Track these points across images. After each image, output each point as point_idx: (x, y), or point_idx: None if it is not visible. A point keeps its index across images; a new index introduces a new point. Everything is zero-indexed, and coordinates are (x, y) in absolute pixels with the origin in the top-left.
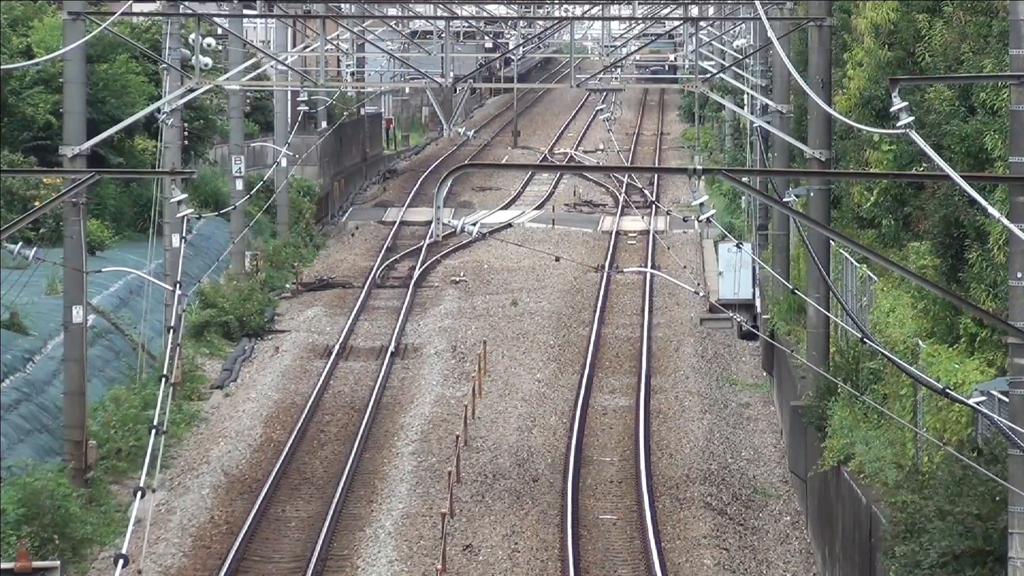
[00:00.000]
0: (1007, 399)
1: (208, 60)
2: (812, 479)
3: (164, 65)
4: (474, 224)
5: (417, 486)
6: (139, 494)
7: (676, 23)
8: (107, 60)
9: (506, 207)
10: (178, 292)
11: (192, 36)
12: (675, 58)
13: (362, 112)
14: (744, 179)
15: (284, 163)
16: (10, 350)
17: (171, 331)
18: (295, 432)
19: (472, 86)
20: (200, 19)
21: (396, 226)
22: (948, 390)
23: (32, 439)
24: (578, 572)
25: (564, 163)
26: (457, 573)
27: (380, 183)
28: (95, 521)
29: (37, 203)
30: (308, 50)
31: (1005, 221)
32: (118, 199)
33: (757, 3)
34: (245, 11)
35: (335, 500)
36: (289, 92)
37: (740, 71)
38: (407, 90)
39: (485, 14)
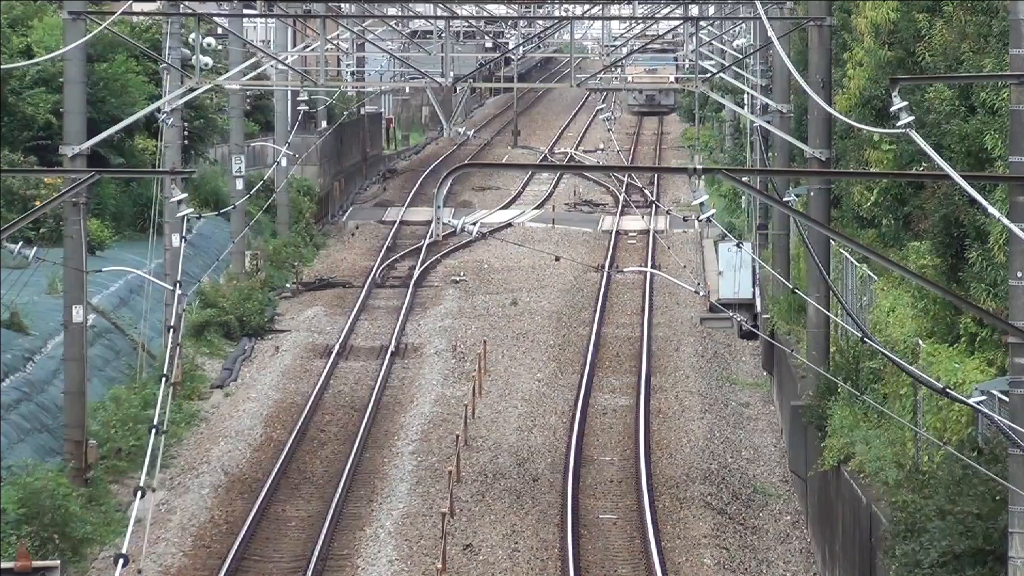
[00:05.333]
0: (1007, 399)
1: (208, 60)
2: (812, 479)
3: (164, 65)
4: (474, 224)
5: (417, 486)
6: (139, 494)
7: (676, 23)
8: (107, 60)
9: (506, 207)
10: (178, 292)
11: (192, 36)
12: (674, 78)
13: (362, 112)
14: (744, 179)
15: (284, 163)
16: (10, 350)
17: (171, 331)
18: (295, 432)
19: (472, 86)
20: (200, 19)
21: (396, 226)
22: (948, 390)
23: (32, 439)
24: (578, 572)
25: (564, 163)
26: (457, 573)
27: (380, 183)
28: (95, 521)
29: (37, 203)
30: (308, 50)
31: (1005, 221)
32: (118, 199)
33: (757, 3)
34: (245, 11)
35: (335, 500)
36: (289, 92)
37: (740, 71)
38: (407, 90)
39: (485, 14)
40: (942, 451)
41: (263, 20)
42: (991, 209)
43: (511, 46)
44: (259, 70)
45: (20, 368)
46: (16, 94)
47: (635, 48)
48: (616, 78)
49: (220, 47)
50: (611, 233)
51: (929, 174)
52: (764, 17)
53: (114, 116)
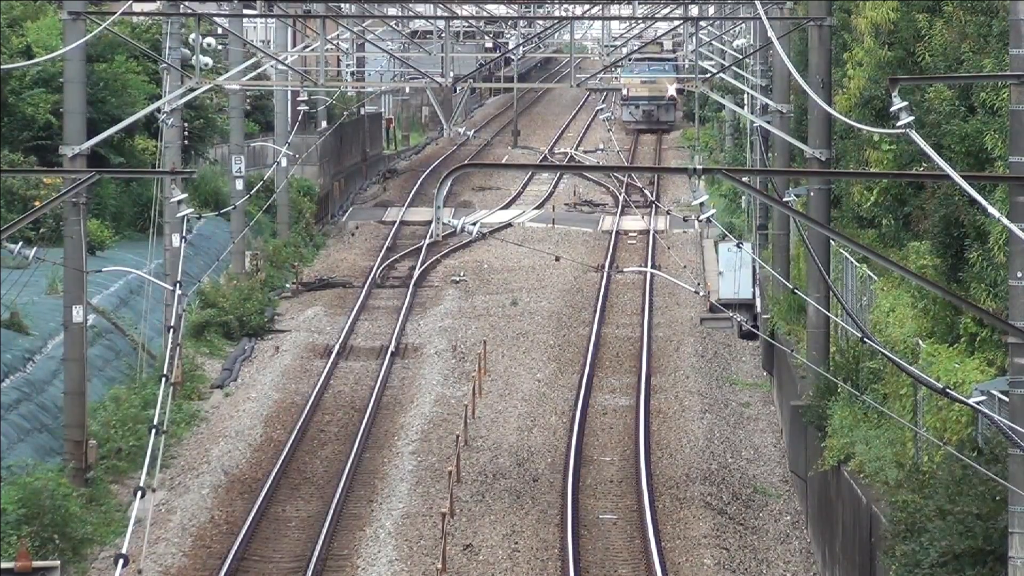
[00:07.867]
0: (1007, 399)
1: (208, 60)
2: (812, 479)
3: (164, 65)
4: (474, 224)
5: (417, 486)
6: (139, 494)
7: (676, 23)
8: (107, 60)
9: (506, 207)
10: (178, 292)
11: (192, 36)
12: (675, 88)
13: (362, 112)
14: (744, 179)
15: (284, 163)
16: (10, 350)
17: (171, 331)
18: (295, 432)
19: (472, 86)
20: (200, 19)
21: (396, 226)
22: (948, 390)
23: (32, 439)
24: (578, 572)
25: (564, 163)
26: (457, 573)
27: (380, 183)
28: (95, 521)
29: (37, 203)
30: (308, 50)
31: (1005, 221)
32: (118, 199)
33: (757, 3)
34: (245, 11)
35: (335, 500)
36: (289, 92)
37: (740, 71)
38: (407, 90)
39: (485, 14)
40: (942, 451)
41: (263, 20)
42: (991, 209)
43: (511, 46)
44: (259, 70)
45: (20, 368)
46: (16, 94)
47: (635, 49)
48: (616, 77)
49: (220, 47)
50: (611, 233)
51: (929, 174)
52: (764, 17)
53: (114, 116)
